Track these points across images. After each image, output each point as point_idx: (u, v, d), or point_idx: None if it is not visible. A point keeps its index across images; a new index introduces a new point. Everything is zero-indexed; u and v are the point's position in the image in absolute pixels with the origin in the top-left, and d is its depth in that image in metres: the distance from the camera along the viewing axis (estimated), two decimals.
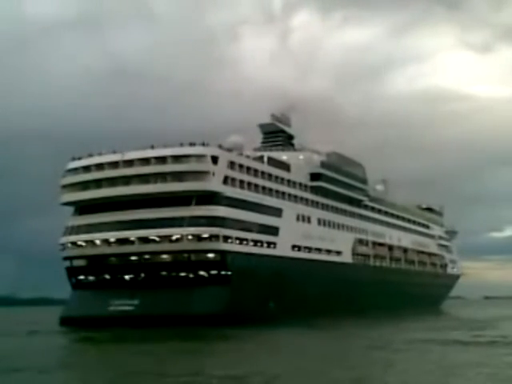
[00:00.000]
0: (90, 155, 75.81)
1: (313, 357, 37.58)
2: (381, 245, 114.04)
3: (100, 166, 73.99)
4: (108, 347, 46.95)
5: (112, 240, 71.77)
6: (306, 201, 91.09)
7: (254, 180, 79.00)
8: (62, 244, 75.45)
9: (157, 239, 69.95)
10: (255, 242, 75.63)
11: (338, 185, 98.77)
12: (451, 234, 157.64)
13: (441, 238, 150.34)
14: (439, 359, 34.11)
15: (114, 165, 72.95)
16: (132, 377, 29.82)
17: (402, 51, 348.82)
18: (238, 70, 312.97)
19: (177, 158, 71.33)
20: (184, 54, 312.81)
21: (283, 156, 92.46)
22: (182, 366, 33.64)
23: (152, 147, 72.84)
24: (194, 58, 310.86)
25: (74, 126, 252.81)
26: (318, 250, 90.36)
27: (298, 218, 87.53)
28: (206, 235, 69.37)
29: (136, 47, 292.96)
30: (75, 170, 75.92)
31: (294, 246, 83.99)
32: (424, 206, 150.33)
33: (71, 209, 77.93)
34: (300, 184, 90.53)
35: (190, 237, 69.05)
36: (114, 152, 74.06)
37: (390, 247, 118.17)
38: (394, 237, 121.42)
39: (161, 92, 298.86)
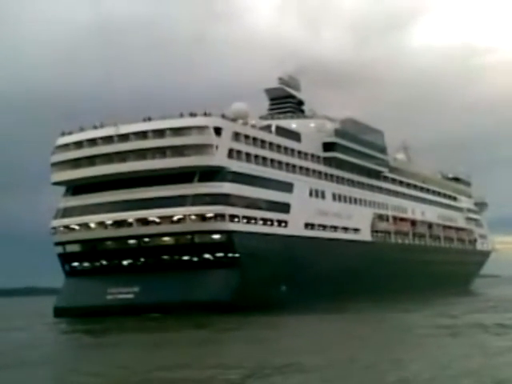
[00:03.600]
0: (82, 129, 77.09)
1: (347, 346, 37.75)
2: (403, 220, 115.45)
3: (93, 142, 75.20)
4: (109, 340, 48.52)
5: (108, 222, 73.37)
6: (319, 174, 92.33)
7: (261, 152, 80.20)
8: (54, 228, 77.12)
9: (157, 220, 71.45)
10: (264, 221, 77.14)
11: (355, 155, 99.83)
12: (481, 205, 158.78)
13: (469, 210, 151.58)
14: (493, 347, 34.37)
15: (108, 140, 74.15)
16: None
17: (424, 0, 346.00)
18: (241, 25, 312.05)
19: (176, 131, 72.46)
20: (183, 8, 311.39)
21: (293, 124, 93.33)
22: (192, 357, 34.51)
23: (149, 119, 73.96)
24: (194, 13, 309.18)
25: (63, 91, 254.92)
26: (334, 227, 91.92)
27: (310, 193, 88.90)
28: (210, 215, 70.84)
29: (129, 1, 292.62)
30: (66, 147, 77.14)
31: (307, 224, 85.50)
32: (450, 176, 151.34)
33: (63, 189, 79.65)
34: (312, 155, 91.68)
35: (193, 217, 70.57)
36: (103, 126, 75.09)
37: (413, 222, 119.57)
38: (418, 211, 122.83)
39: (156, 53, 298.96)
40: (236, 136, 76.17)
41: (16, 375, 31.56)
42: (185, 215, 70.52)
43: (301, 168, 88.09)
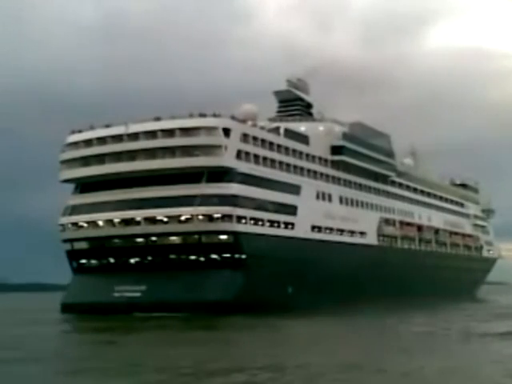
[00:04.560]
0: (92, 128, 77.90)
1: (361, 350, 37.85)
2: (409, 225, 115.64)
3: (102, 140, 76.06)
4: (114, 337, 48.96)
5: (116, 220, 74.05)
6: (326, 177, 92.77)
7: (269, 154, 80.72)
8: (62, 225, 77.90)
9: (165, 219, 72.06)
10: (271, 223, 77.63)
11: (362, 159, 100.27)
12: (488, 212, 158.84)
13: (476, 217, 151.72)
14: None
15: (118, 138, 74.93)
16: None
17: (436, 3, 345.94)
18: (252, 25, 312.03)
19: (186, 131, 73.15)
20: (190, 9, 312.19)
21: (301, 127, 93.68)
22: (186, 358, 34.55)
23: (158, 119, 74.73)
24: (203, 14, 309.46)
25: (74, 89, 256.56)
26: (340, 230, 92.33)
27: (317, 196, 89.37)
28: (218, 215, 71.38)
29: (138, 3, 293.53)
30: (75, 145, 78.08)
31: (313, 227, 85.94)
32: (458, 182, 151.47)
33: (72, 186, 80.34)
34: (320, 158, 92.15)
35: (200, 217, 71.16)
36: (113, 124, 76.06)
37: (420, 227, 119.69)
38: (424, 216, 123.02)
39: (164, 55, 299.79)
40: (245, 137, 76.70)
41: (24, 369, 31.91)
42: (192, 215, 71.10)
43: (308, 171, 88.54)
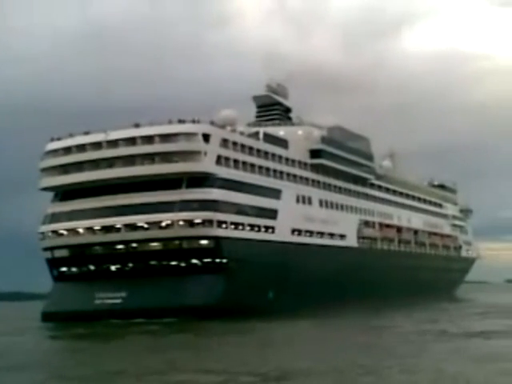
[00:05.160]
0: (71, 135, 77.58)
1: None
2: (388, 226, 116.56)
3: (81, 148, 75.74)
4: (93, 344, 49.06)
5: (96, 228, 73.75)
6: (306, 180, 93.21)
7: (249, 159, 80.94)
8: (42, 233, 77.45)
9: (145, 226, 71.91)
10: (252, 227, 77.77)
11: (341, 162, 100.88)
12: (466, 212, 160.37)
13: (455, 217, 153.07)
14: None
15: (97, 146, 74.71)
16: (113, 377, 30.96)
17: (414, 6, 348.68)
18: (231, 30, 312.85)
19: (165, 137, 73.10)
20: (177, 13, 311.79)
21: (280, 131, 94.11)
22: (164, 361, 35.08)
23: (137, 126, 74.58)
24: (187, 18, 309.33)
25: (56, 97, 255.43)
26: (321, 233, 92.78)
27: (297, 200, 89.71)
28: (198, 220, 71.40)
29: (119, 9, 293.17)
30: (54, 152, 77.66)
31: (294, 230, 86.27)
32: (436, 183, 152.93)
33: (51, 194, 79.97)
34: (299, 162, 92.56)
35: (181, 222, 71.12)
36: (95, 131, 75.76)
37: (399, 229, 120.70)
38: (403, 217, 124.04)
39: (144, 62, 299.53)
40: (224, 143, 76.88)
41: (3, 379, 31.99)
42: (173, 221, 71.08)
43: (288, 175, 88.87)
